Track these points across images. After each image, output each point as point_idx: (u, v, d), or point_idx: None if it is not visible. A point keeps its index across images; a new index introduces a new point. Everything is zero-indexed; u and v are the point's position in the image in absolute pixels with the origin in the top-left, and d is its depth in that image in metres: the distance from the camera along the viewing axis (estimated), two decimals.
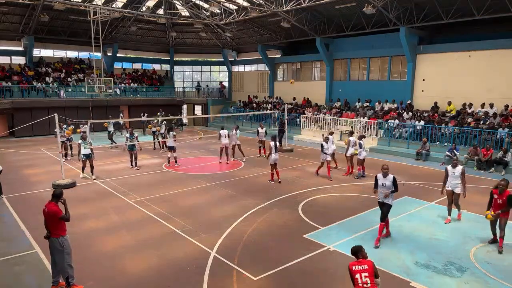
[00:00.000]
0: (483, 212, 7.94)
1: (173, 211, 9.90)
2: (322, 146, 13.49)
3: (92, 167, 13.35)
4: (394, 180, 7.92)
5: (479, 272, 6.71)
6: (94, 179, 13.17)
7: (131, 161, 15.07)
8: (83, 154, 13.23)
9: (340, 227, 8.76)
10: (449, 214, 9.26)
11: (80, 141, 13.38)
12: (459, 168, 9.00)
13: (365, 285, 4.53)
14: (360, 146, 13.51)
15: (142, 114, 25.41)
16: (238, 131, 16.80)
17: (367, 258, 4.88)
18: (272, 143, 12.81)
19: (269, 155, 12.84)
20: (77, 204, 10.36)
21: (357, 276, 4.59)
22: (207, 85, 35.53)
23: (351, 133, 14.98)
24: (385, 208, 7.98)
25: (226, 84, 36.02)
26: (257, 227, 8.81)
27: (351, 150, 14.01)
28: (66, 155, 16.55)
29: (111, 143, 20.27)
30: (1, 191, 11.24)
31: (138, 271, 6.74)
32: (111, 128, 20.43)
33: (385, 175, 7.97)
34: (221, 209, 10.10)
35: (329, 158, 13.48)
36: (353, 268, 4.65)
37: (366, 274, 4.56)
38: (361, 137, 13.92)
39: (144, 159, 16.58)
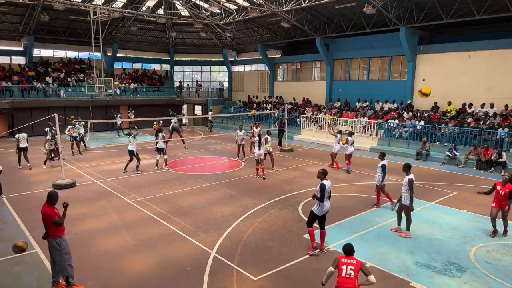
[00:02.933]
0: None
1: (173, 211, 9.90)
2: (384, 167, 9.89)
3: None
4: (320, 187, 7.22)
5: (479, 272, 6.71)
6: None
7: (137, 165, 14.42)
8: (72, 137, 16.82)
9: (340, 227, 8.76)
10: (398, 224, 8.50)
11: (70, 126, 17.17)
12: (407, 176, 8.18)
13: (347, 276, 4.91)
14: (348, 141, 14.27)
15: (128, 112, 25.29)
16: (243, 131, 16.79)
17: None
18: (257, 139, 13.47)
19: (252, 150, 13.73)
20: (77, 204, 10.36)
21: (343, 267, 4.99)
22: (187, 85, 35.25)
23: (339, 132, 15.84)
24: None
25: (204, 83, 36.02)
26: (257, 227, 8.81)
27: (337, 147, 15.00)
28: (52, 158, 16.09)
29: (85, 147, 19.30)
30: (1, 191, 11.24)
31: (138, 271, 6.74)
32: (82, 130, 19.15)
33: (320, 179, 7.39)
34: (221, 209, 10.10)
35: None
36: (342, 260, 5.05)
37: (352, 267, 4.93)
38: (350, 134, 14.76)
39: (144, 159, 16.55)
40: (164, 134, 15.14)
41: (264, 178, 13.31)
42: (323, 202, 7.25)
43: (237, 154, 16.93)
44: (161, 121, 17.22)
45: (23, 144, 15.00)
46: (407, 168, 8.29)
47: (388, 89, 22.59)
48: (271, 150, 14.65)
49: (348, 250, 5.13)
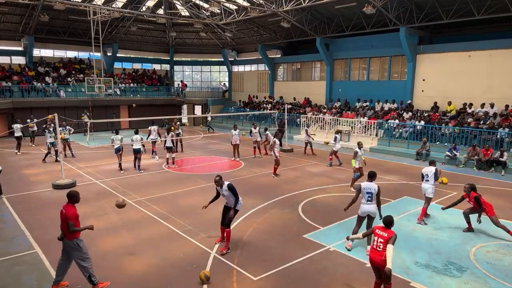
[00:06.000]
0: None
1: (173, 211, 9.90)
2: (441, 175, 9.43)
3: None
4: (230, 188, 7.38)
5: (479, 272, 6.71)
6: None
7: (134, 164, 14.75)
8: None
9: (340, 227, 8.77)
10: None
11: (61, 128, 15.73)
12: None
13: (377, 248, 5.45)
14: (335, 139, 15.28)
15: (83, 114, 24.43)
16: (237, 130, 16.84)
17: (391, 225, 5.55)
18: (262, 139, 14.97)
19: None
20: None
21: (375, 238, 5.53)
22: (178, 84, 34.77)
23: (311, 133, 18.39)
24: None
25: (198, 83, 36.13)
26: (257, 227, 8.81)
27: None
28: (45, 158, 16.34)
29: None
30: (1, 191, 11.24)
31: (138, 271, 6.74)
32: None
33: (220, 186, 7.43)
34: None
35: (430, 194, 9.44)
36: (376, 231, 5.59)
37: (382, 240, 5.42)
38: (338, 132, 16.16)
39: (144, 159, 16.56)
40: (173, 133, 15.73)
41: (273, 176, 13.75)
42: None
43: (233, 154, 16.94)
44: (178, 122, 17.48)
45: (16, 134, 17.73)
46: None
47: (388, 89, 22.59)
48: (358, 166, 11.78)
49: (387, 222, 5.48)
